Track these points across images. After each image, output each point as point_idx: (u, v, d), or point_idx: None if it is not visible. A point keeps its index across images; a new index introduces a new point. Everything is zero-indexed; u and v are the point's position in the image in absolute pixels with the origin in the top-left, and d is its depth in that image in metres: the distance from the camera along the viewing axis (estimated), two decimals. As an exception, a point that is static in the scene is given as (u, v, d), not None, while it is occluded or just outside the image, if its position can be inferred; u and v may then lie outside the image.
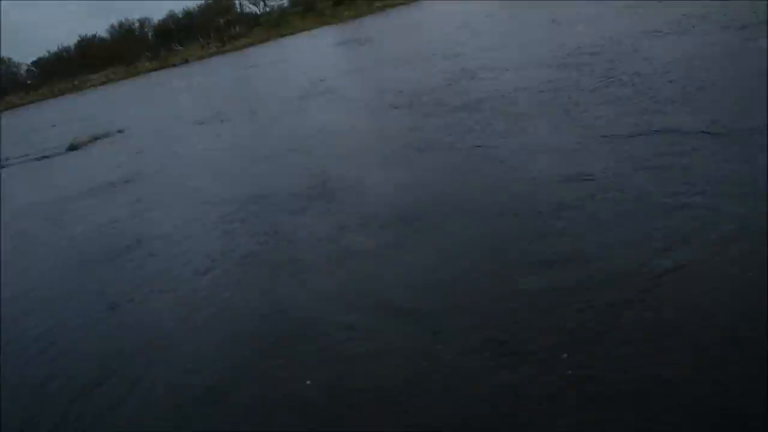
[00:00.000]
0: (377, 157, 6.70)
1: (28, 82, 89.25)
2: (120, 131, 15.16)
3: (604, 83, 6.75)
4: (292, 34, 64.62)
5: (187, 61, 66.25)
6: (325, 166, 6.71)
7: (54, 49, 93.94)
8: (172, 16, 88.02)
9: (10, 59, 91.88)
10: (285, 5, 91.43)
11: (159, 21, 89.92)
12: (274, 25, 73.91)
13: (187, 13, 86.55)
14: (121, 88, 46.16)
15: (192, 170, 8.59)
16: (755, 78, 5.50)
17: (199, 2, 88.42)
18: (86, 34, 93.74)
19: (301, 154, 7.66)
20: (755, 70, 5.74)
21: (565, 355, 2.59)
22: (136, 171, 9.46)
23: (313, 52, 27.50)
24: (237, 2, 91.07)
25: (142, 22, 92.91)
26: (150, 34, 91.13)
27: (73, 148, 14.10)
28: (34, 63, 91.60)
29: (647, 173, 4.20)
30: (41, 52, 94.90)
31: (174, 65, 66.32)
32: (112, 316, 4.31)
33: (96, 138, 14.89)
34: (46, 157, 13.97)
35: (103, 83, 68.65)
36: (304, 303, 3.75)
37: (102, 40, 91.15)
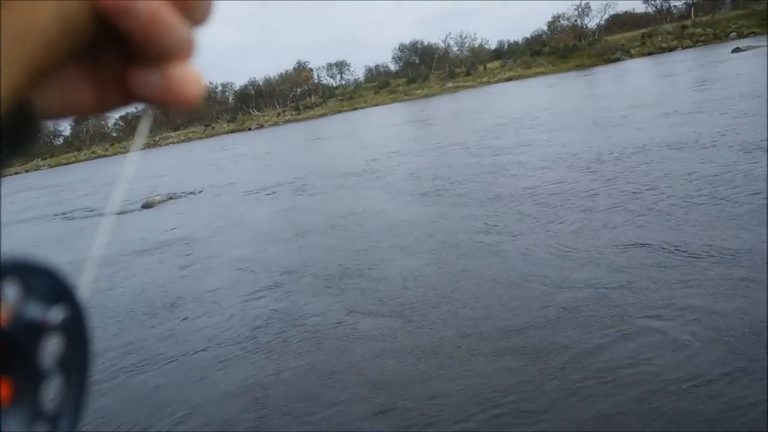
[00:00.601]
0: (396, 245, 6.93)
1: (113, 134, 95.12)
2: (192, 193, 15.79)
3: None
4: (363, 107, 66.92)
5: (261, 126, 69.25)
6: (347, 248, 7.11)
7: (140, 105, 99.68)
8: (252, 83, 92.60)
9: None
10: (360, 80, 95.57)
11: (240, 86, 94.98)
12: (348, 98, 76.79)
13: (267, 81, 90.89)
14: (198, 147, 48.43)
15: (241, 237, 9.02)
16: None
17: (280, 71, 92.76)
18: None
19: (331, 233, 8.10)
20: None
21: None
22: (192, 233, 9.86)
23: (378, 128, 28.33)
24: (315, 73, 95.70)
25: (225, 86, 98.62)
26: (230, 97, 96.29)
27: (147, 206, 14.71)
28: (120, 117, 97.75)
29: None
30: (127, 108, 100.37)
31: (249, 129, 69.39)
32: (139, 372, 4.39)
33: (170, 198, 15.53)
34: (122, 213, 14.62)
35: (181, 141, 72.18)
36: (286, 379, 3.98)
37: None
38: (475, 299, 4.79)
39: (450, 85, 67.64)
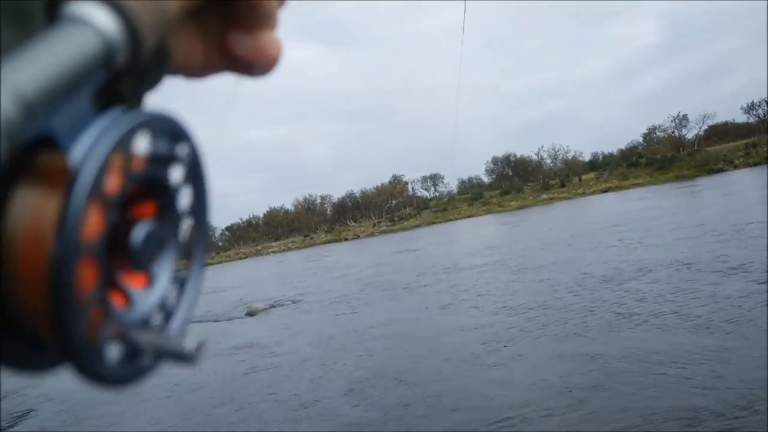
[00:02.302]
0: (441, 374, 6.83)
1: (220, 244, 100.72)
2: (294, 301, 16.35)
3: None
4: (457, 219, 67.70)
5: (358, 237, 71.25)
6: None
7: (245, 216, 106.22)
8: (349, 195, 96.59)
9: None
10: (453, 192, 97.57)
11: (338, 198, 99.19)
12: (442, 210, 78.16)
13: (364, 193, 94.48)
14: (296, 256, 50.31)
15: (324, 356, 9.00)
16: None
17: (376, 184, 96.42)
18: (274, 206, 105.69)
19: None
20: None
21: None
22: (284, 348, 10.08)
23: (467, 239, 28.49)
24: (410, 186, 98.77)
25: (323, 198, 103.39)
26: (328, 209, 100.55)
27: (250, 314, 15.36)
28: (227, 228, 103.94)
29: None
30: (234, 218, 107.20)
31: (346, 239, 71.56)
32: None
33: (272, 306, 16.14)
34: (229, 320, 15.32)
35: (282, 250, 75.16)
36: None
37: (287, 211, 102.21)
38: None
39: (545, 196, 67.66)
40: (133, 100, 0.32)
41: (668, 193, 35.97)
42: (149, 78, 0.33)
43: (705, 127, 78.73)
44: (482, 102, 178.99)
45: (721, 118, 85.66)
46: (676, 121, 78.92)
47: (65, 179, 0.26)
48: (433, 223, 69.31)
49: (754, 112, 79.06)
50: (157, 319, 0.33)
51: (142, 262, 0.32)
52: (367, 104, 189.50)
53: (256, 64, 0.39)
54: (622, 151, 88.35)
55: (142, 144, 0.29)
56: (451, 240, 31.65)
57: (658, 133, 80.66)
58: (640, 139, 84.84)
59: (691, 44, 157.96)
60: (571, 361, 6.43)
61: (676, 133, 78.70)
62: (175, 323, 0.34)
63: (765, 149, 57.39)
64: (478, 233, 33.14)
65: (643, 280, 9.89)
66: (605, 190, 61.80)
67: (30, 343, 0.29)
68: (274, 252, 75.10)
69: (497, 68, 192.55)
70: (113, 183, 0.27)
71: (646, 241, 14.63)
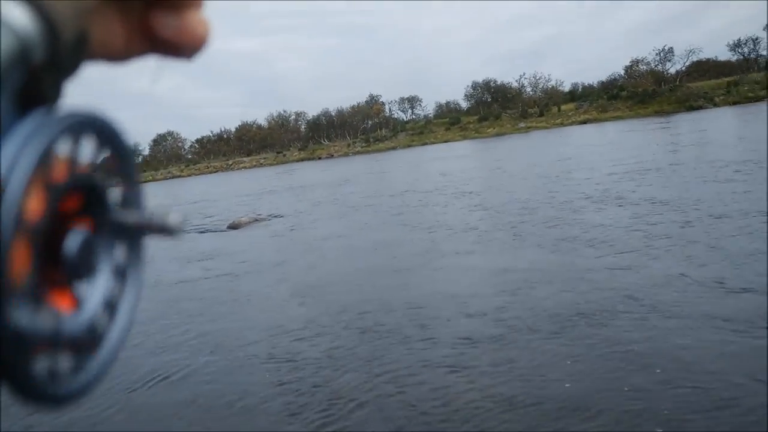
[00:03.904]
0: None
1: (189, 156, 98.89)
2: (276, 216, 16.04)
3: None
4: (434, 143, 67.02)
5: (331, 156, 70.36)
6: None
7: (216, 130, 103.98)
8: (325, 113, 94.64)
9: (178, 134, 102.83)
10: (431, 115, 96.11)
11: (313, 116, 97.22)
12: (419, 133, 77.20)
13: (340, 112, 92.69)
14: (268, 172, 49.46)
15: (305, 276, 8.60)
16: None
17: (352, 103, 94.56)
18: (247, 121, 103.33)
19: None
20: None
21: None
22: (260, 260, 9.67)
23: (440, 165, 27.97)
24: (387, 107, 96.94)
25: (298, 115, 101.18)
26: (302, 126, 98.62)
27: (233, 227, 15.00)
28: (197, 140, 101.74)
29: None
30: (205, 131, 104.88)
31: (319, 158, 70.60)
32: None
33: (255, 220, 15.82)
34: (211, 231, 14.97)
35: (253, 166, 74.11)
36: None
37: (260, 126, 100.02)
38: None
39: (522, 125, 67.09)
40: (55, 98, 0.30)
41: (645, 127, 35.62)
42: (67, 69, 0.31)
43: (689, 62, 77.94)
44: (468, 24, 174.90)
45: (705, 55, 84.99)
46: (661, 54, 77.88)
47: None
48: (409, 146, 68.58)
49: (739, 50, 78.29)
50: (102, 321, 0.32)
51: (76, 274, 0.30)
52: (354, 19, 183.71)
53: (183, 46, 0.36)
54: (602, 83, 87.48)
55: (67, 149, 0.28)
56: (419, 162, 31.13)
57: (641, 67, 79.67)
58: (622, 72, 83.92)
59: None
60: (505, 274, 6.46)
61: (660, 68, 77.84)
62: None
63: (746, 88, 57.21)
64: (439, 162, 32.59)
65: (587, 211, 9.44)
66: (584, 122, 61.47)
67: None
68: (245, 167, 74.00)
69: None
70: (38, 201, 0.26)
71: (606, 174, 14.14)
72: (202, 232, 14.84)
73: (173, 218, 0.31)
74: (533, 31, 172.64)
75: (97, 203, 0.31)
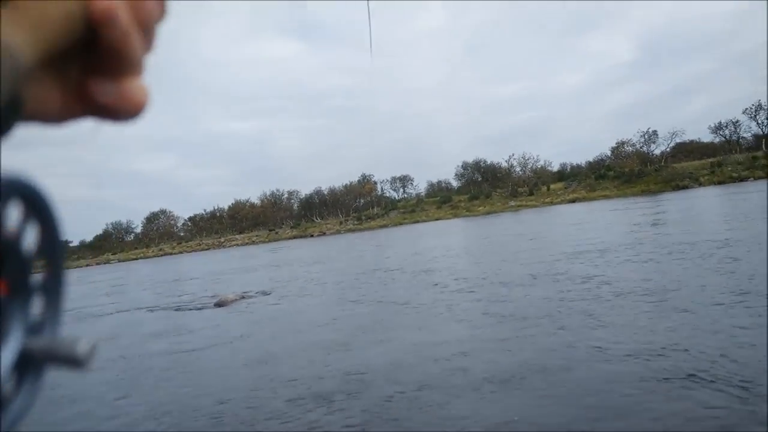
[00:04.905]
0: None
1: (181, 234, 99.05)
2: (265, 293, 15.98)
3: None
4: (425, 221, 67.54)
5: (323, 234, 70.59)
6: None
7: (210, 208, 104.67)
8: (318, 192, 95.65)
9: (171, 212, 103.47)
10: (422, 194, 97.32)
11: (306, 194, 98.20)
12: (410, 211, 77.89)
13: (332, 191, 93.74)
14: (258, 250, 49.49)
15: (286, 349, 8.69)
16: None
17: (345, 182, 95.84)
18: (240, 199, 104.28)
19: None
20: None
21: None
22: (249, 334, 9.68)
23: (425, 243, 28.15)
24: (379, 186, 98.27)
25: (291, 193, 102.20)
26: (295, 204, 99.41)
27: (220, 304, 14.90)
28: (190, 218, 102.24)
29: None
30: (198, 209, 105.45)
31: (312, 235, 70.79)
32: None
33: (242, 297, 15.72)
34: (197, 309, 14.88)
35: (246, 243, 74.16)
36: None
37: (252, 205, 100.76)
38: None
39: (513, 203, 67.95)
40: None
41: (633, 206, 36.18)
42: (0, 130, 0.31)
43: (672, 144, 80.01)
44: (458, 107, 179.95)
45: (688, 137, 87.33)
46: (645, 136, 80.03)
47: None
48: (401, 223, 69.06)
49: (720, 132, 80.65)
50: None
51: None
52: (342, 102, 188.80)
53: (120, 112, 0.37)
54: (590, 163, 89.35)
55: None
56: (415, 239, 31.33)
57: (627, 148, 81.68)
58: (609, 153, 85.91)
59: (662, 64, 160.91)
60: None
61: (645, 149, 79.80)
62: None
63: (729, 168, 58.65)
64: (429, 240, 32.82)
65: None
66: (573, 200, 62.35)
67: None
68: (237, 245, 74.00)
69: (477, 76, 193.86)
70: None
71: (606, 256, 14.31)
72: (189, 310, 14.83)
73: (82, 347, 0.29)
74: (522, 114, 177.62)
75: (15, 266, 0.30)
